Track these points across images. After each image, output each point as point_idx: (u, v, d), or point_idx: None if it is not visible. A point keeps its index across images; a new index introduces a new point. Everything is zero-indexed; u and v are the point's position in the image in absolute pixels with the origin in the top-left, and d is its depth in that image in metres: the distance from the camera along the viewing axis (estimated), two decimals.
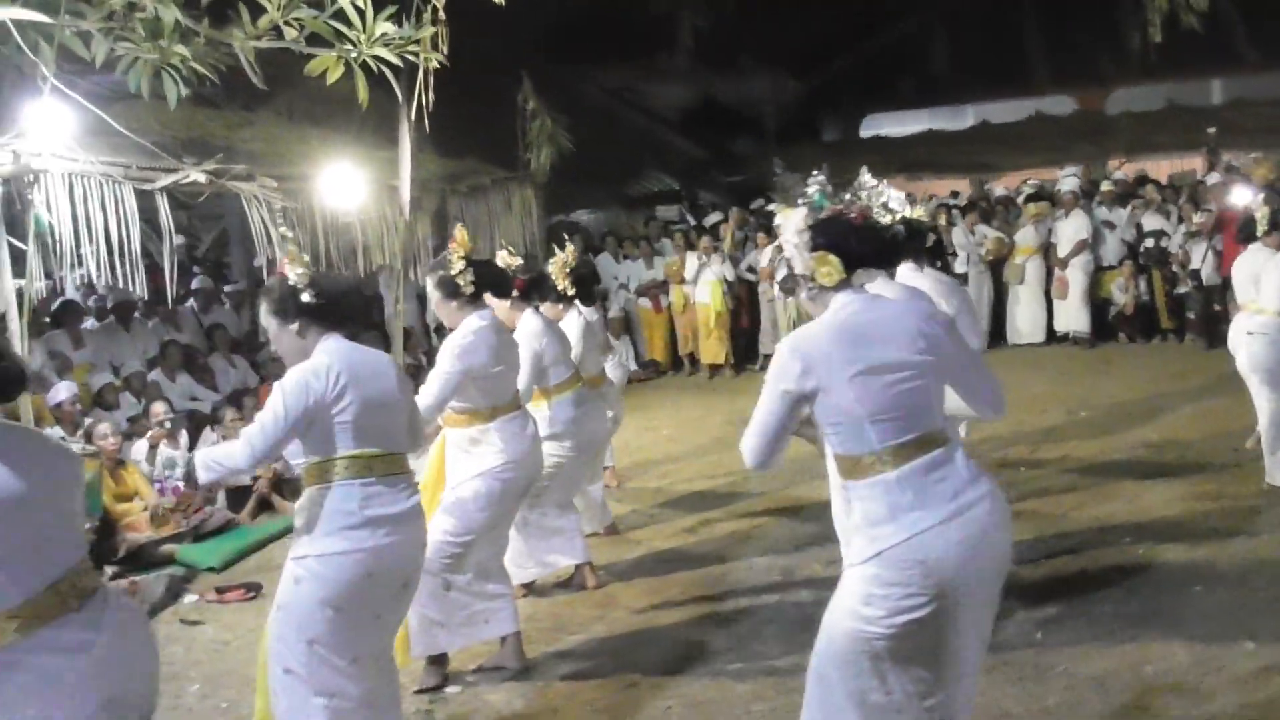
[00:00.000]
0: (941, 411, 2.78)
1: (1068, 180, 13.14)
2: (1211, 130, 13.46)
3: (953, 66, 19.66)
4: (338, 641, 3.21)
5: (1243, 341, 5.89)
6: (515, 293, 5.13)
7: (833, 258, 2.78)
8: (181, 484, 6.69)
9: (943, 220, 12.79)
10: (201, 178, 7.00)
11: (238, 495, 7.11)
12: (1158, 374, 9.72)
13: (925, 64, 20.05)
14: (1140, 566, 4.95)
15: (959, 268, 12.17)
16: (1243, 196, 10.81)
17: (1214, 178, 11.88)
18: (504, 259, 5.17)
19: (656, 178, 16.17)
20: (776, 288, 10.85)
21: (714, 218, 13.59)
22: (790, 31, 18.75)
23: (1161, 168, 16.57)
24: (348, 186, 8.42)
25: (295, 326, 3.34)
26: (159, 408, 7.15)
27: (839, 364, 2.70)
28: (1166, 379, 9.43)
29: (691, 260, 12.12)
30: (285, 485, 7.27)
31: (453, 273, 4.34)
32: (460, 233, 4.50)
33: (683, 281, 12.20)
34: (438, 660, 4.36)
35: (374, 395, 3.30)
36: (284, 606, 3.24)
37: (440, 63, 6.88)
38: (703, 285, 12.01)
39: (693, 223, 13.75)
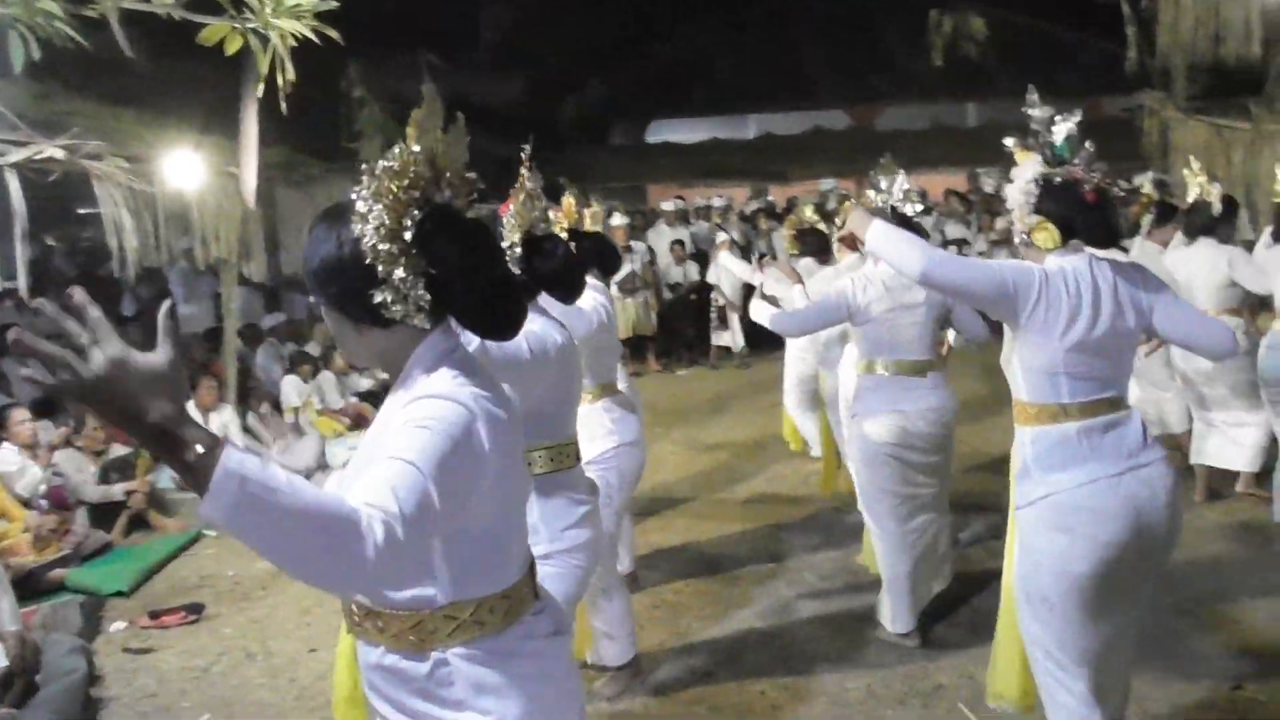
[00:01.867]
0: (1128, 377, 2.84)
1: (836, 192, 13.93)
2: (1010, 143, 14.58)
3: (736, 77, 20.31)
4: None
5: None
6: None
7: (1052, 227, 2.75)
8: (45, 502, 5.88)
9: (763, 224, 13.27)
10: (59, 154, 6.17)
11: (102, 514, 6.30)
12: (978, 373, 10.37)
13: (710, 74, 20.61)
14: None
15: None
16: None
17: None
18: None
19: None
20: (615, 288, 10.77)
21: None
22: (582, 34, 18.86)
23: (934, 183, 17.87)
24: (188, 172, 7.70)
25: None
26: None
27: (1059, 318, 2.71)
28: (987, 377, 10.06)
29: None
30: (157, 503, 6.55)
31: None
32: (567, 201, 4.13)
33: None
34: None
35: None
36: None
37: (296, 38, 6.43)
38: None
39: None
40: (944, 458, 4.28)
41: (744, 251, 11.80)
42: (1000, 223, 11.72)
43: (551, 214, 4.27)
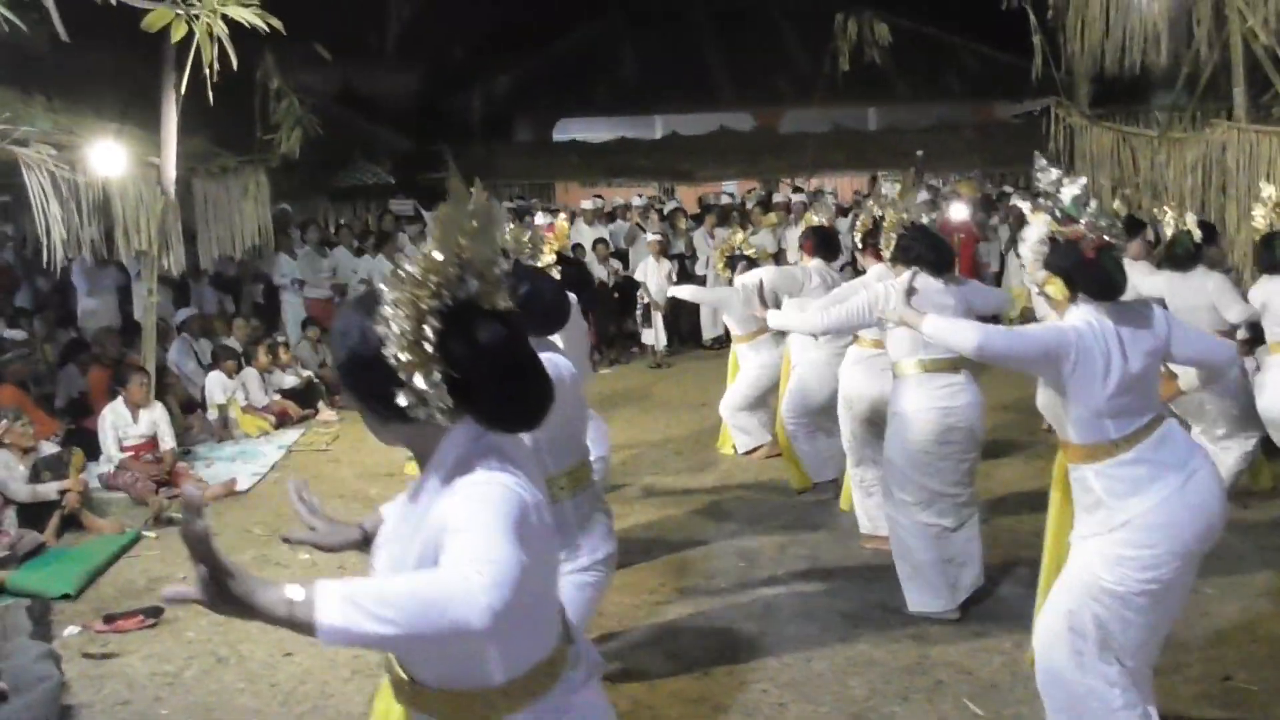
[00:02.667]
0: (1158, 395, 3.03)
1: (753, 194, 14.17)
2: (920, 153, 14.97)
3: (641, 77, 20.38)
4: None
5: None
6: None
7: (1059, 281, 3.05)
8: None
9: (682, 224, 13.38)
10: None
11: (30, 514, 6.01)
12: None
13: (615, 72, 20.63)
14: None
15: (699, 270, 12.76)
16: (960, 212, 12.32)
17: (922, 195, 13.22)
18: None
19: (370, 170, 15.43)
20: None
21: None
22: (486, 27, 18.72)
23: (842, 185, 18.29)
24: (110, 161, 7.41)
25: None
26: None
27: (1098, 366, 2.95)
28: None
29: None
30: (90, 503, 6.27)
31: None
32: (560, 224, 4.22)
33: None
34: None
35: None
36: None
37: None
38: None
39: (429, 216, 13.27)
40: (978, 453, 4.54)
41: (662, 250, 11.92)
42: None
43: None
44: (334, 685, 4.24)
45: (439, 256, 1.66)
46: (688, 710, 3.91)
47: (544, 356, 2.79)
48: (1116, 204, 10.96)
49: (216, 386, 9.02)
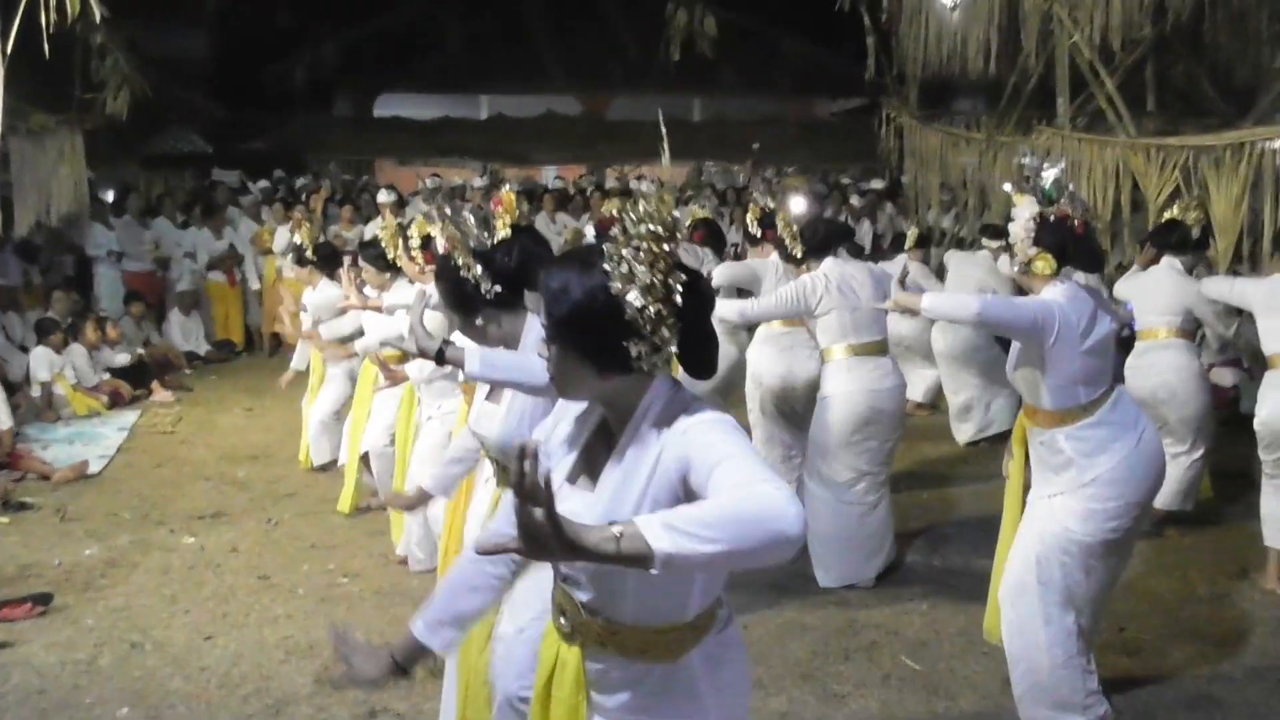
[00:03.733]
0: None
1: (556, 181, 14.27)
2: (756, 146, 15.38)
3: (466, 54, 20.08)
4: None
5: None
6: None
7: (1050, 256, 3.30)
8: None
9: (524, 208, 13.31)
10: None
11: None
12: None
13: (439, 48, 20.23)
14: None
15: None
16: (799, 205, 12.75)
17: (757, 188, 13.63)
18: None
19: (186, 138, 14.61)
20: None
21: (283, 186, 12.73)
22: None
23: (662, 174, 18.57)
24: None
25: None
26: None
27: (1076, 336, 3.23)
28: None
29: (282, 232, 11.25)
30: None
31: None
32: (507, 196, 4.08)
33: (269, 253, 11.28)
34: None
35: None
36: None
37: None
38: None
39: (259, 189, 12.69)
40: (901, 433, 4.76)
41: None
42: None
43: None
44: (270, 667, 4.08)
45: (676, 214, 1.72)
46: None
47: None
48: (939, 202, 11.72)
49: (42, 363, 8.38)
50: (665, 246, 1.71)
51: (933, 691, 3.84)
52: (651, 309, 1.70)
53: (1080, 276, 3.92)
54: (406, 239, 4.91)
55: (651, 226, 1.71)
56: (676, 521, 1.46)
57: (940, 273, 8.02)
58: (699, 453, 1.68)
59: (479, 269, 2.76)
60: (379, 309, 5.04)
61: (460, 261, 2.76)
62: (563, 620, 1.94)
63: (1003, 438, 6.23)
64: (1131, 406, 3.39)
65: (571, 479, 1.90)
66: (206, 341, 11.31)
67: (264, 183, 13.22)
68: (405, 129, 18.82)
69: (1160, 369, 5.17)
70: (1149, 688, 3.83)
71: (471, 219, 2.87)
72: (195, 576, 5.06)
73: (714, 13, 16.91)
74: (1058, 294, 3.29)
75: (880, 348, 4.73)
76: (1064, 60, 9.34)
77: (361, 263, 5.72)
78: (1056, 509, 3.33)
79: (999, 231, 7.01)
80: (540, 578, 2.61)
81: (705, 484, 1.64)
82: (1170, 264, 5.22)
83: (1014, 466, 3.69)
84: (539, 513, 1.42)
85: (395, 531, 5.15)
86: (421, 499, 3.40)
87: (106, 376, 9.06)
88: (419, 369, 4.65)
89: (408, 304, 4.85)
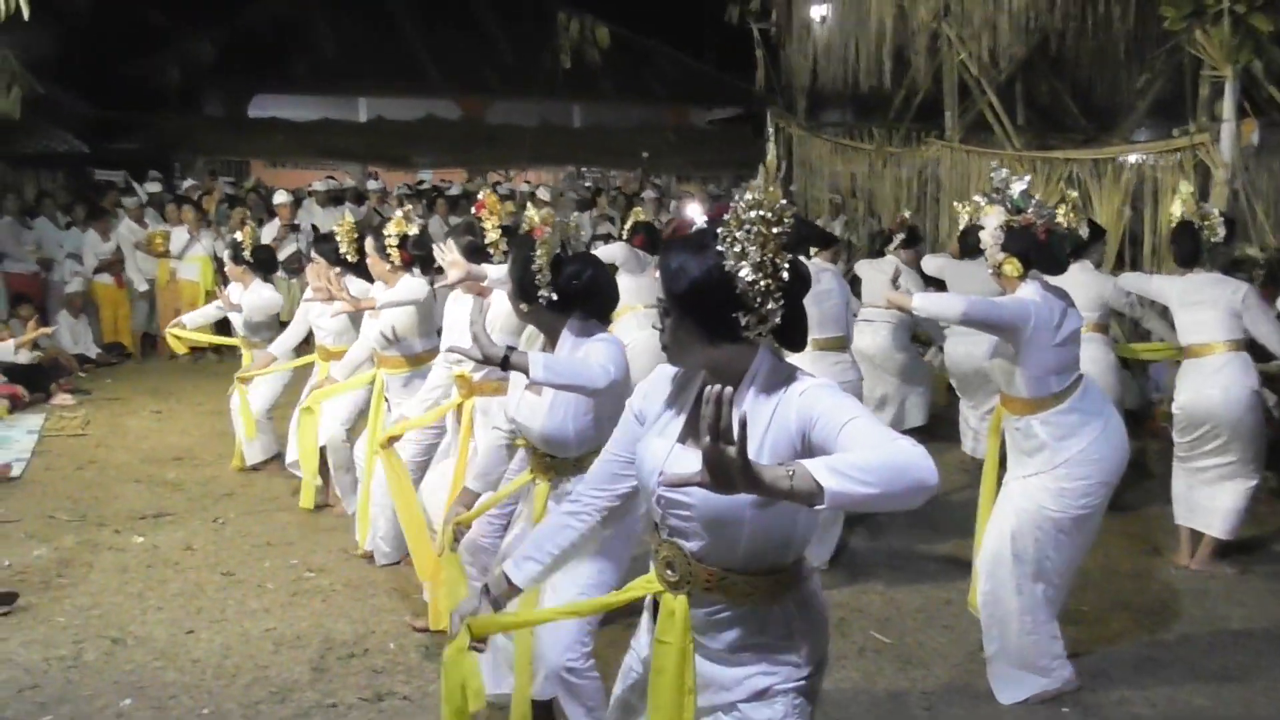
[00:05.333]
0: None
1: (454, 187, 14.37)
2: (646, 155, 15.68)
3: (342, 56, 19.80)
4: None
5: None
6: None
7: (1016, 261, 3.66)
8: None
9: (415, 210, 13.28)
10: None
11: None
12: None
13: (314, 49, 19.89)
14: None
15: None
16: (695, 211, 13.10)
17: (649, 194, 13.95)
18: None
19: (59, 136, 14.02)
20: (281, 269, 10.42)
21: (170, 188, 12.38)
22: None
23: (543, 178, 18.72)
24: None
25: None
26: None
27: (1049, 332, 3.58)
28: None
29: (179, 234, 10.99)
30: None
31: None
32: (490, 197, 4.23)
33: (166, 255, 11.00)
34: None
35: None
36: None
37: None
38: (190, 262, 10.97)
39: (147, 192, 12.30)
40: None
41: None
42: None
43: (473, 209, 4.45)
44: (263, 658, 4.12)
45: (781, 203, 1.95)
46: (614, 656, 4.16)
47: (605, 338, 3.00)
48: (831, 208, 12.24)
49: None
50: (774, 230, 1.94)
51: (906, 661, 4.15)
52: (761, 283, 1.93)
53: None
54: (381, 238, 5.00)
55: (762, 212, 1.94)
56: (839, 466, 1.67)
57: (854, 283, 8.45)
58: (826, 412, 1.91)
59: (548, 273, 2.94)
60: (373, 307, 5.09)
61: (538, 257, 2.94)
62: (669, 571, 2.13)
63: (913, 433, 6.65)
64: (1098, 395, 3.76)
65: (682, 440, 2.10)
66: (96, 345, 10.95)
67: (153, 185, 12.80)
68: (282, 130, 18.45)
69: (1082, 362, 5.67)
70: (1097, 653, 4.23)
71: (575, 225, 3.05)
72: (156, 575, 5.02)
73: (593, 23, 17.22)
74: (1032, 293, 3.64)
75: (841, 344, 5.05)
76: (953, 76, 9.96)
77: (314, 255, 5.78)
78: (1031, 488, 3.68)
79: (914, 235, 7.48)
80: (579, 562, 2.84)
81: (833, 439, 1.86)
82: (1081, 265, 5.70)
83: (990, 452, 4.05)
84: (731, 450, 1.62)
85: (362, 529, 5.19)
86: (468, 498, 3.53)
87: (3, 379, 8.71)
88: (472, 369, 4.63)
89: (400, 301, 4.95)
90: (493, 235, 4.23)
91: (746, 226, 1.93)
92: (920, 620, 4.55)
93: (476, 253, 4.13)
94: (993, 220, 3.68)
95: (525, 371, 2.87)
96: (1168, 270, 5.59)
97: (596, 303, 3.08)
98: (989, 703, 3.81)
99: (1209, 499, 5.01)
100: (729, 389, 1.65)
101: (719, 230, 1.97)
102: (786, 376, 2.02)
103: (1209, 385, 4.86)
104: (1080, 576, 4.93)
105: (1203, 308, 4.87)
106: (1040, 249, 3.64)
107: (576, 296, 3.01)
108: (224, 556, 5.28)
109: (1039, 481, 3.68)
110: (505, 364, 2.90)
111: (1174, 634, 4.45)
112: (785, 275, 1.94)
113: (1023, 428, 3.72)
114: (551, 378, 2.86)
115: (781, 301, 1.95)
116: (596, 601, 2.65)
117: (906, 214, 8.03)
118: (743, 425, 1.61)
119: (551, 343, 3.11)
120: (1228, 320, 4.83)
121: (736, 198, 1.97)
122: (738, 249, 1.93)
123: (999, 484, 3.92)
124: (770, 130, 12.86)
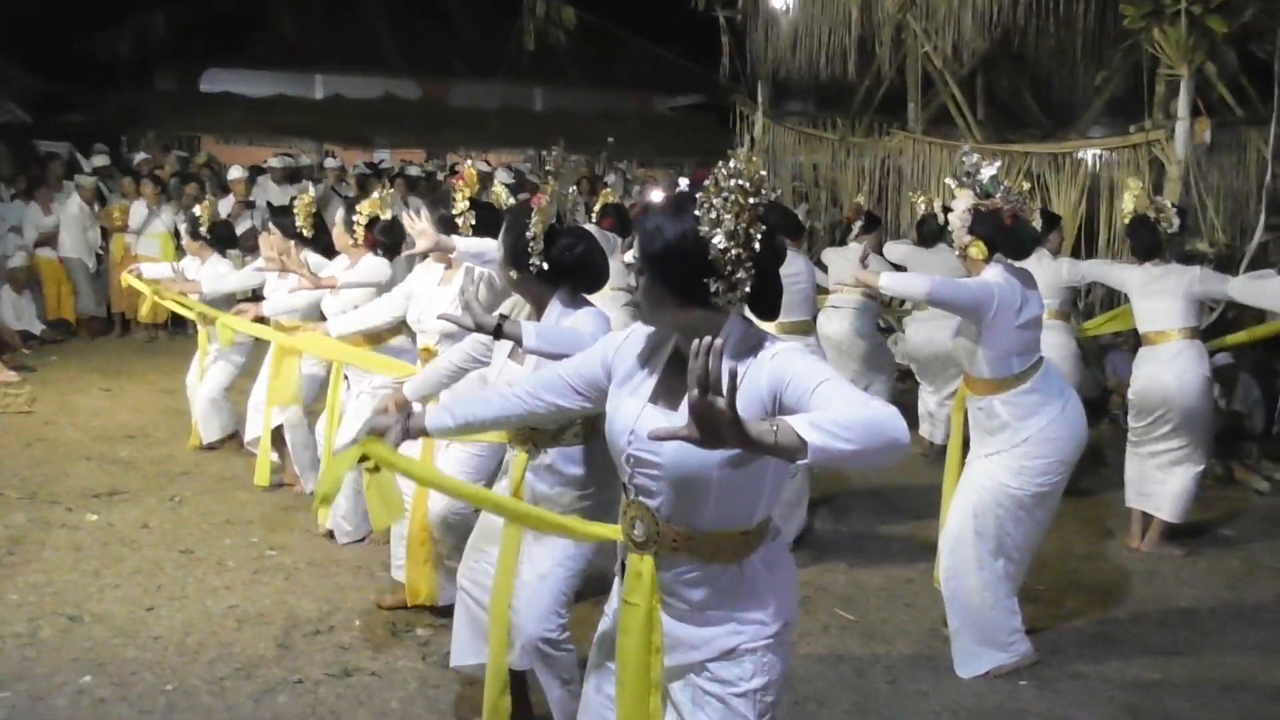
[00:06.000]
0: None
1: (412, 167, 14.26)
2: (610, 140, 15.62)
3: (299, 32, 19.54)
4: None
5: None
6: None
7: (981, 244, 3.72)
8: None
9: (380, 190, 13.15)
10: None
11: None
12: None
13: (269, 24, 19.60)
14: None
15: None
16: (659, 197, 13.11)
17: (611, 179, 13.91)
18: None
19: (4, 107, 13.71)
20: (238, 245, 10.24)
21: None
22: None
23: (504, 160, 18.62)
24: None
25: None
26: None
27: (1011, 314, 3.64)
28: None
29: (139, 209, 10.80)
30: None
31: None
32: (469, 170, 4.18)
33: (124, 230, 10.80)
34: None
35: None
36: None
37: None
38: (150, 238, 10.78)
39: (93, 166, 12.05)
40: None
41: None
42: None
43: (455, 182, 4.42)
44: (226, 635, 4.07)
45: (761, 173, 1.96)
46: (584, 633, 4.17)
47: (591, 310, 3.00)
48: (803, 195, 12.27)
49: None
50: (750, 200, 1.95)
51: (870, 637, 4.21)
52: (733, 252, 1.94)
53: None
54: (353, 211, 4.96)
55: (741, 182, 1.95)
56: (821, 422, 1.69)
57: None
58: (799, 374, 1.92)
59: (541, 242, 2.93)
60: (333, 287, 5.04)
61: (533, 225, 2.92)
62: (636, 531, 2.12)
63: None
64: (1058, 377, 3.84)
65: (653, 400, 2.10)
66: (40, 320, 10.74)
67: (100, 159, 12.52)
68: (236, 106, 18.16)
69: (1043, 348, 5.78)
70: (1054, 630, 4.32)
71: (572, 197, 3.04)
72: (112, 552, 4.94)
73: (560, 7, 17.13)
74: (996, 275, 3.70)
75: (806, 328, 5.08)
76: (917, 68, 10.03)
77: (270, 226, 5.73)
78: (993, 467, 3.75)
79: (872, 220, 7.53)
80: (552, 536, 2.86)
81: (806, 400, 1.88)
82: (1039, 254, 5.78)
83: (954, 432, 4.10)
84: (720, 401, 1.62)
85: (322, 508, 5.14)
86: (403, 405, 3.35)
87: None
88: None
89: (362, 283, 4.91)
90: (461, 206, 4.19)
91: (725, 194, 1.93)
92: (882, 598, 4.61)
93: (446, 224, 4.10)
94: (961, 203, 3.73)
95: (518, 341, 2.87)
96: (1125, 261, 5.68)
97: (588, 278, 3.09)
98: (950, 676, 3.87)
99: (1159, 483, 5.15)
100: (719, 340, 1.64)
101: (698, 195, 1.98)
102: (757, 342, 2.03)
103: (1164, 371, 5.01)
104: (1037, 558, 5.02)
105: (1161, 296, 4.99)
106: (1006, 233, 3.69)
107: (567, 269, 3.00)
108: (182, 534, 5.21)
109: (1000, 460, 3.74)
110: (498, 333, 2.92)
111: (1126, 612, 4.56)
112: (757, 246, 1.95)
113: (985, 407, 3.78)
114: (544, 345, 2.85)
115: (752, 271, 1.95)
116: (551, 519, 2.76)
117: (860, 200, 8.08)
118: (733, 377, 1.63)
119: (538, 312, 3.10)
120: (1184, 308, 4.97)
121: (719, 165, 1.98)
122: (713, 215, 1.93)
123: (963, 464, 3.98)
124: (735, 118, 12.86)
